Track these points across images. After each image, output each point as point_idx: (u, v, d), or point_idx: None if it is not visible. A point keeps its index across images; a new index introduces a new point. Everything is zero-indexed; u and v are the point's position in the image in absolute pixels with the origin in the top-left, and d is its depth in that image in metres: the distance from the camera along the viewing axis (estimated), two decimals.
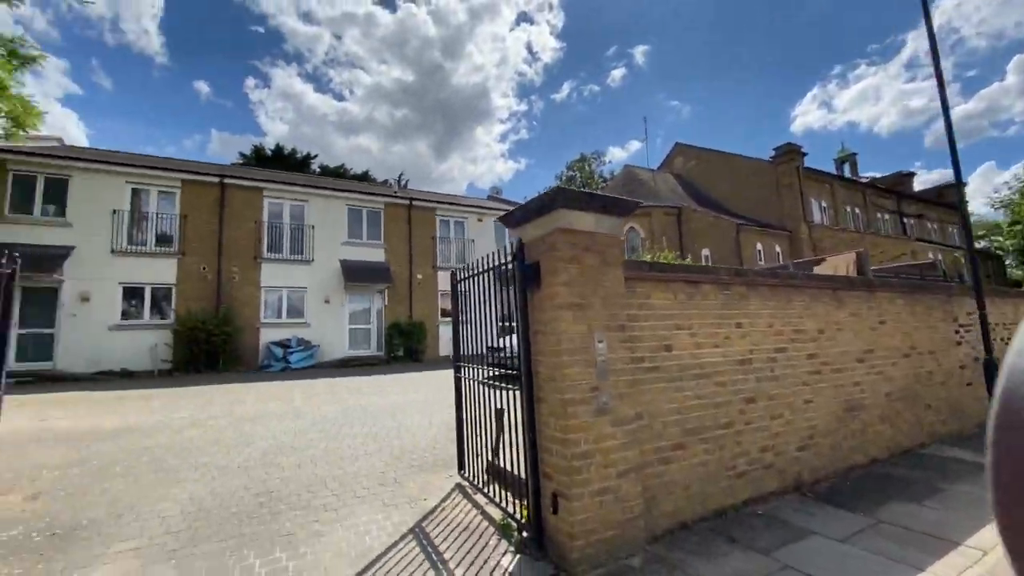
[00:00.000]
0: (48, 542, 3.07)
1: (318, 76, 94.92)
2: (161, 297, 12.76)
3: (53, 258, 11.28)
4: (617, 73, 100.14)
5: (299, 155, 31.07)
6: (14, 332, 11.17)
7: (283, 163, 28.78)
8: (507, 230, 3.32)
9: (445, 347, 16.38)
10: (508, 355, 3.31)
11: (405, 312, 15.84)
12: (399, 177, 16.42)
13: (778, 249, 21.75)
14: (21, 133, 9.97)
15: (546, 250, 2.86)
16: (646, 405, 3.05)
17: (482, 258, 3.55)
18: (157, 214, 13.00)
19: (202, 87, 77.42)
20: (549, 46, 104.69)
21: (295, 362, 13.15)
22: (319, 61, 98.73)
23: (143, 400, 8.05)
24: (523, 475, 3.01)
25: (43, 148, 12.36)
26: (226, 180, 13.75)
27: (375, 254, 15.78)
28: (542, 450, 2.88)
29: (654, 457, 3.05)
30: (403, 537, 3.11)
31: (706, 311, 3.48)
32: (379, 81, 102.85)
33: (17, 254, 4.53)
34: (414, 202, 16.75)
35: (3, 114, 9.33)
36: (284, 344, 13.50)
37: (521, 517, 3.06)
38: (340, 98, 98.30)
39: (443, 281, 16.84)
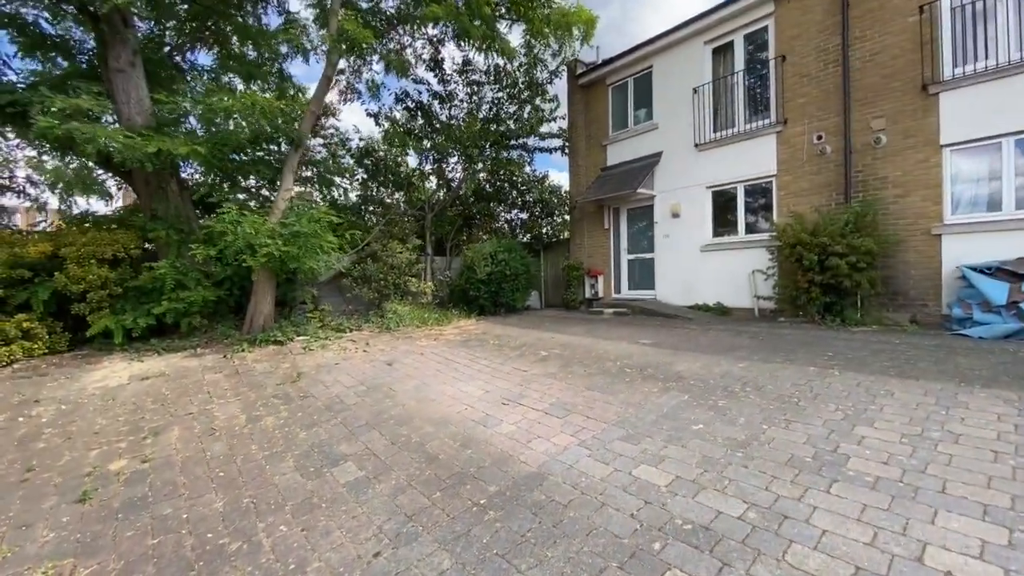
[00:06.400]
0: None
1: None
2: (758, 198, 8.79)
3: (642, 170, 10.05)
4: None
5: None
6: (625, 258, 11.05)
7: None
8: None
9: None
10: None
11: None
12: None
13: None
14: (575, 44, 9.05)
15: None
16: None
17: None
18: (745, 72, 8.93)
19: None
20: None
21: None
22: None
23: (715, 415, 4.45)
24: None
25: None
26: None
27: None
28: None
29: None
30: None
31: None
32: None
33: None
34: None
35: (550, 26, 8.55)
36: (1011, 271, 5.83)
37: None
38: None
39: None
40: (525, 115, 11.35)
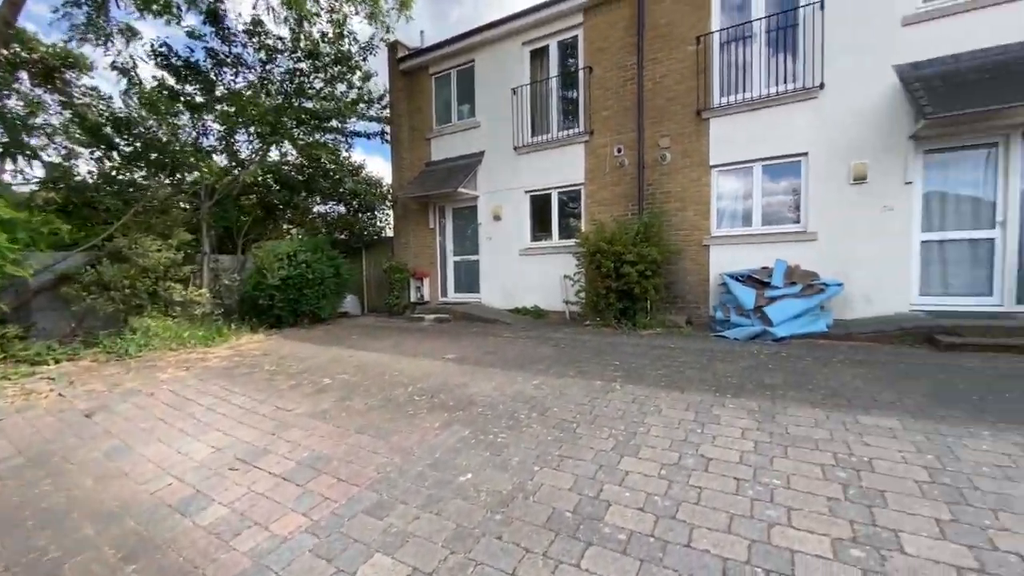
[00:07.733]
0: None
1: None
2: (570, 206, 9.06)
3: (465, 168, 9.62)
4: None
5: None
6: (451, 260, 10.53)
7: None
8: None
9: None
10: None
11: None
12: None
13: None
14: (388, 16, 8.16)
15: None
16: None
17: None
18: (559, 78, 9.08)
19: None
20: None
21: (779, 320, 6.28)
22: None
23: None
24: None
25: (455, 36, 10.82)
26: None
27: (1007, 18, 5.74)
28: None
29: None
30: None
31: None
32: None
33: None
34: None
35: None
36: (757, 279, 6.85)
37: None
38: None
39: None
40: (338, 93, 9.91)
